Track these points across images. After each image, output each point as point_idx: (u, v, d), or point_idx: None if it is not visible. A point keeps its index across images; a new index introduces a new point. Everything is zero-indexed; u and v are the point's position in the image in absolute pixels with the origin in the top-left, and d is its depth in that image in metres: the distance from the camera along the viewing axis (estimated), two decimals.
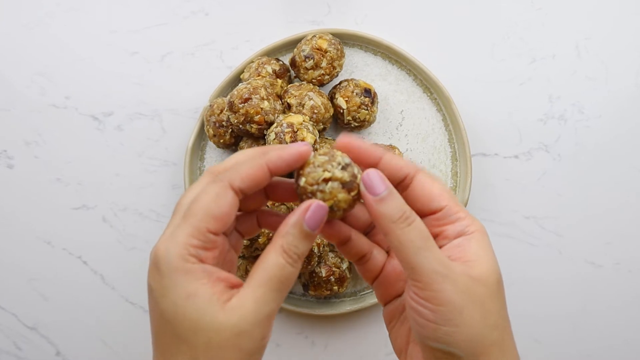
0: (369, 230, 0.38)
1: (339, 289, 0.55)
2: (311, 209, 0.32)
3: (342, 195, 0.33)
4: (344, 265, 0.55)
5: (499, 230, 0.59)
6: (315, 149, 0.49)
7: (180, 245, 0.30)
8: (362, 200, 0.34)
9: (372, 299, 0.57)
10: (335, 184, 0.32)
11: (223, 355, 0.30)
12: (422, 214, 0.34)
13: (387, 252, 0.38)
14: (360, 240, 0.36)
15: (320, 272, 0.54)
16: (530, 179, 0.59)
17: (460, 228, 0.33)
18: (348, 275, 0.55)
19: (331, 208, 0.33)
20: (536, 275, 0.59)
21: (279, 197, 0.36)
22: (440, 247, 0.33)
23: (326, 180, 0.32)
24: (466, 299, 0.31)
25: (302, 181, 0.33)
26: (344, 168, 0.33)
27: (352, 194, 0.33)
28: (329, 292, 0.55)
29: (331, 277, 0.54)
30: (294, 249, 0.31)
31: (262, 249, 0.50)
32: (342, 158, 0.33)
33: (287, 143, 0.48)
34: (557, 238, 0.59)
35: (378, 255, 0.37)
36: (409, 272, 0.31)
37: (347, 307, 0.57)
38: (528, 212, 0.59)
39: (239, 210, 0.35)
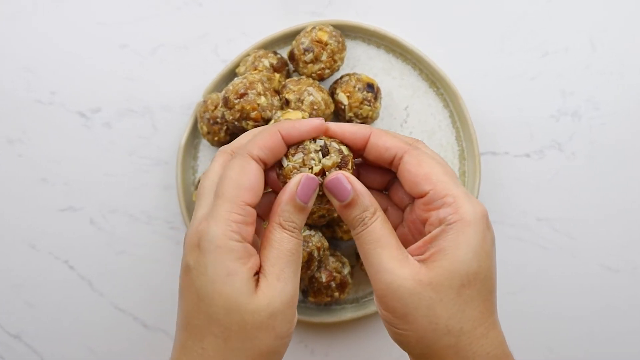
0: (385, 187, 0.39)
1: (340, 295, 0.53)
2: (301, 182, 0.33)
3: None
4: (346, 270, 0.54)
5: (509, 233, 0.58)
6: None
7: (222, 222, 0.31)
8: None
9: (374, 306, 0.55)
10: (333, 170, 0.34)
11: (256, 336, 0.31)
12: (412, 197, 0.35)
13: (402, 209, 0.39)
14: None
15: (321, 277, 0.52)
16: (542, 179, 0.58)
17: (443, 215, 0.32)
18: (349, 281, 0.54)
19: None
20: (548, 280, 0.58)
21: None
22: (426, 233, 0.33)
23: (323, 173, 0.34)
24: (410, 305, 0.31)
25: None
26: (324, 153, 0.34)
27: (349, 167, 0.35)
28: (329, 299, 0.53)
29: (332, 282, 0.53)
30: (291, 223, 0.33)
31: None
32: (313, 145, 0.34)
33: None
34: (571, 241, 0.58)
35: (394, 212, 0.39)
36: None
37: (348, 314, 0.56)
38: (540, 213, 0.58)
39: None
